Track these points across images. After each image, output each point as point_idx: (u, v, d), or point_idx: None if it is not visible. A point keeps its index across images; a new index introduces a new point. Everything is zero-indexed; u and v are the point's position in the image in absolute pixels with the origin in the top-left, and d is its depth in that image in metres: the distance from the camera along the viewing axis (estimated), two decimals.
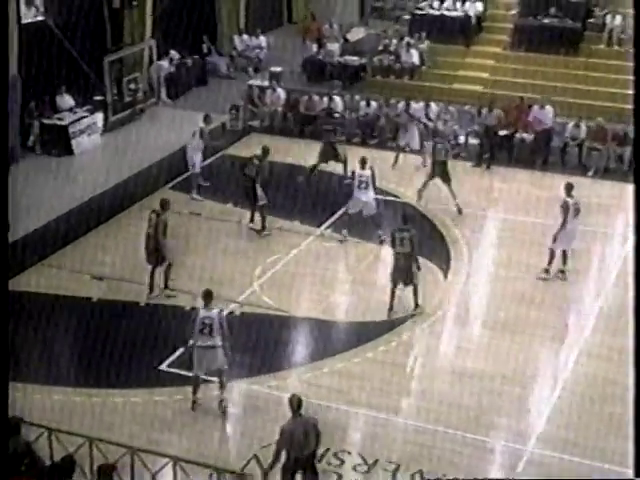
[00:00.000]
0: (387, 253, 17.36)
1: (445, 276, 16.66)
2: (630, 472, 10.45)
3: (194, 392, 12.86)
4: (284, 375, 13.76)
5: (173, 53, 26.51)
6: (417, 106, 22.55)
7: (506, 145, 22.08)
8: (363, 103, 23.57)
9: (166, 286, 15.87)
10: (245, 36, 29.05)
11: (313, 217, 18.72)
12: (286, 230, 18.29)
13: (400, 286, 15.24)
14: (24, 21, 20.73)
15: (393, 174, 20.87)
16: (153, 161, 20.79)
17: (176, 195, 19.64)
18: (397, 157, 21.61)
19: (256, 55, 28.59)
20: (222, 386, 12.85)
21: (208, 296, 12.67)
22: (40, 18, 21.34)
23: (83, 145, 21.94)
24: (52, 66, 21.53)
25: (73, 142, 21.73)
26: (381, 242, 17.35)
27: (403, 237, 15.15)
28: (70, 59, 22.20)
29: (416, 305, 15.35)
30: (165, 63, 25.89)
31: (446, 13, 27.05)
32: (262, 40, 28.94)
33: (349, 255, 17.50)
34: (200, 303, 12.81)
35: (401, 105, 22.48)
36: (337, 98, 23.74)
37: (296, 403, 10.62)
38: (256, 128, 23.97)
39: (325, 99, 23.71)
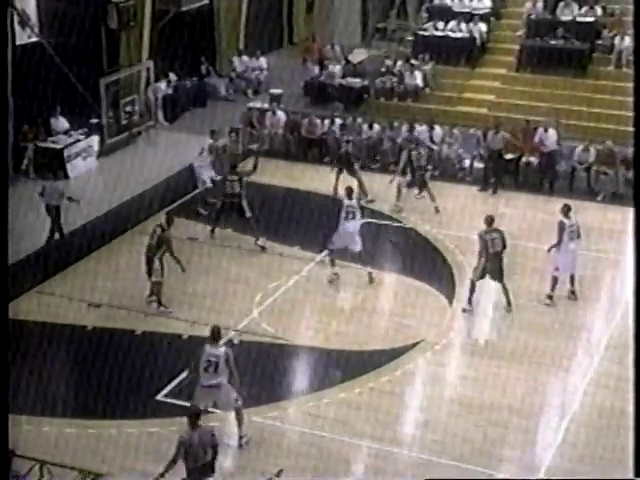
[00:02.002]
0: (390, 280, 17.47)
1: (450, 303, 16.72)
2: None
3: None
4: (284, 405, 13.78)
5: (171, 75, 26.71)
6: (421, 129, 22.71)
7: (512, 169, 22.22)
8: (365, 126, 23.73)
9: (159, 303, 16.03)
10: (245, 57, 29.25)
11: (314, 243, 18.80)
12: (287, 256, 18.37)
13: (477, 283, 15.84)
14: (18, 42, 20.87)
15: (391, 198, 20.98)
16: (150, 185, 20.91)
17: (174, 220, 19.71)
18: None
19: (256, 77, 28.78)
20: (240, 423, 12.77)
21: (216, 333, 12.59)
22: (35, 39, 21.51)
23: (78, 169, 22.09)
24: (47, 88, 21.66)
25: (68, 166, 21.87)
26: (371, 280, 17.22)
27: (494, 238, 15.94)
28: (65, 81, 22.33)
29: (509, 303, 16.13)
30: (162, 85, 26.08)
31: (450, 34, 27.29)
32: (262, 61, 29.15)
33: (351, 282, 17.54)
34: (207, 339, 12.66)
35: (404, 128, 22.62)
36: (338, 121, 23.89)
37: (194, 415, 10.96)
38: (256, 151, 24.09)
39: (326, 122, 23.87)
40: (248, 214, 18.42)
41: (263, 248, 18.43)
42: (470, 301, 16.33)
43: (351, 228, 17.19)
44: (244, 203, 18.44)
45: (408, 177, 20.45)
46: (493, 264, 16.12)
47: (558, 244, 16.34)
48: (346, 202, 17.29)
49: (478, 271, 16.20)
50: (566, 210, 16.48)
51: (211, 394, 12.48)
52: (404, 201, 20.62)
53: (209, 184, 20.38)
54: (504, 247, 16.16)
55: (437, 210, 20.13)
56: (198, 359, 12.45)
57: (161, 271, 16.15)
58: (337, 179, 20.99)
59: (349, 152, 21.00)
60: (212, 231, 19.08)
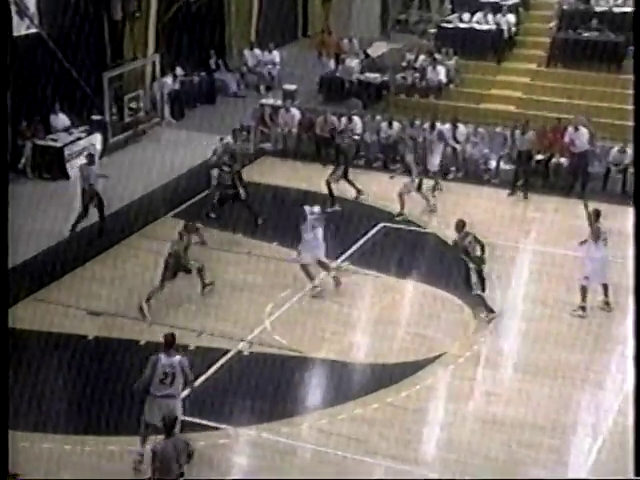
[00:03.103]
0: (410, 289, 17.45)
1: (474, 314, 16.69)
2: None
3: (143, 443, 12.47)
4: (297, 422, 13.77)
5: (178, 69, 26.81)
6: (444, 128, 22.71)
7: (541, 171, 22.19)
8: (385, 124, 23.74)
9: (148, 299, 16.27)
10: (257, 51, 29.36)
11: (330, 249, 18.79)
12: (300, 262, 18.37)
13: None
14: (16, 33, 20.98)
15: (414, 201, 20.99)
16: (155, 186, 21.01)
17: (180, 224, 19.73)
18: (421, 182, 21.76)
19: (268, 71, 28.88)
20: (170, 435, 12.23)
21: (170, 341, 12.45)
22: (34, 30, 21.63)
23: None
24: (46, 82, 21.81)
25: (68, 165, 21.99)
26: (315, 296, 17.11)
27: (471, 241, 16.00)
28: (66, 75, 22.47)
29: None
30: (169, 80, 26.19)
31: (476, 26, 27.29)
32: (275, 55, 29.24)
33: (368, 290, 17.55)
34: (162, 348, 12.47)
35: (426, 127, 22.63)
36: (356, 119, 23.92)
37: (169, 424, 10.99)
38: (268, 151, 24.17)
39: (343, 120, 23.90)
40: (243, 196, 18.86)
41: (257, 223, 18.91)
42: (488, 309, 16.34)
43: (313, 242, 17.18)
44: (240, 191, 18.91)
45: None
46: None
47: (588, 247, 16.32)
48: (308, 209, 17.28)
49: (478, 282, 16.17)
50: (598, 215, 16.44)
51: (163, 404, 12.26)
52: (419, 203, 20.67)
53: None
54: (483, 250, 16.20)
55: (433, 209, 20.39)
56: (153, 370, 12.24)
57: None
58: (348, 180, 20.93)
59: (341, 147, 21.04)
60: (206, 215, 19.38)
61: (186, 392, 13.51)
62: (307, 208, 17.33)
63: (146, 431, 12.51)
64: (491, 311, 16.37)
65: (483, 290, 16.32)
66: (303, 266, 17.25)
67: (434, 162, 21.63)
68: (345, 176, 20.85)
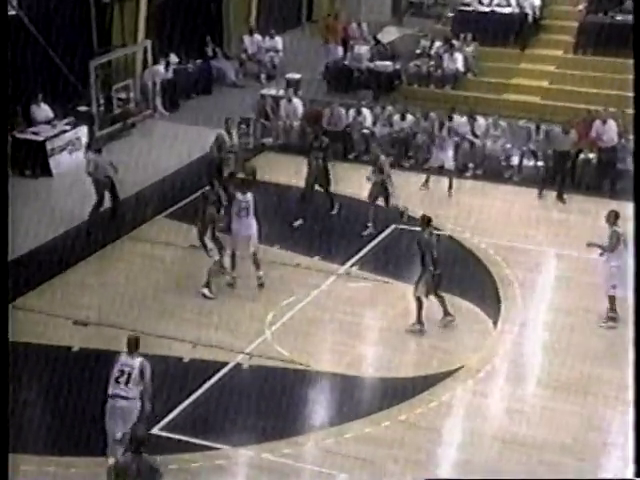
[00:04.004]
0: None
1: (494, 324, 16.72)
2: None
3: (108, 455, 12.63)
4: (300, 441, 13.81)
5: (172, 56, 26.88)
6: (461, 120, 22.76)
7: (568, 167, 22.20)
8: (397, 117, 23.80)
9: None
10: (257, 36, 29.45)
11: (337, 252, 18.87)
12: (304, 268, 18.44)
13: None
14: None
15: (425, 201, 21.05)
16: (146, 184, 21.08)
17: (173, 225, 19.89)
18: (428, 179, 21.87)
19: (270, 59, 28.99)
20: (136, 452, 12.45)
21: (133, 343, 12.79)
22: (12, 12, 21.64)
23: (63, 165, 22.31)
24: (27, 70, 21.89)
25: (51, 161, 22.11)
26: (261, 285, 17.60)
27: (434, 240, 16.02)
28: (48, 62, 22.55)
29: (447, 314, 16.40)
30: (161, 68, 26.30)
31: (497, 9, 27.35)
32: (277, 41, 29.35)
33: (379, 298, 17.59)
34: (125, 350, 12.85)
35: (437, 117, 22.58)
36: (366, 111, 23.98)
37: (136, 439, 10.90)
38: (269, 146, 24.23)
39: (351, 112, 23.95)
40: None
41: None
42: (420, 320, 16.36)
43: (244, 230, 17.55)
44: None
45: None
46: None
47: (610, 256, 16.31)
48: (240, 197, 17.51)
49: (429, 283, 16.15)
50: (616, 217, 16.38)
51: (118, 406, 12.53)
52: (433, 204, 20.76)
53: None
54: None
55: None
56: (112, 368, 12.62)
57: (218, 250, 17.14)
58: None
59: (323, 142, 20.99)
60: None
61: (180, 408, 13.60)
62: (239, 195, 17.55)
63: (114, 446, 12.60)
64: (448, 314, 16.40)
65: (436, 293, 16.29)
66: (232, 256, 17.70)
67: (448, 158, 21.68)
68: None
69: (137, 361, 12.66)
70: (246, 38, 29.41)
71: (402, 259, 18.43)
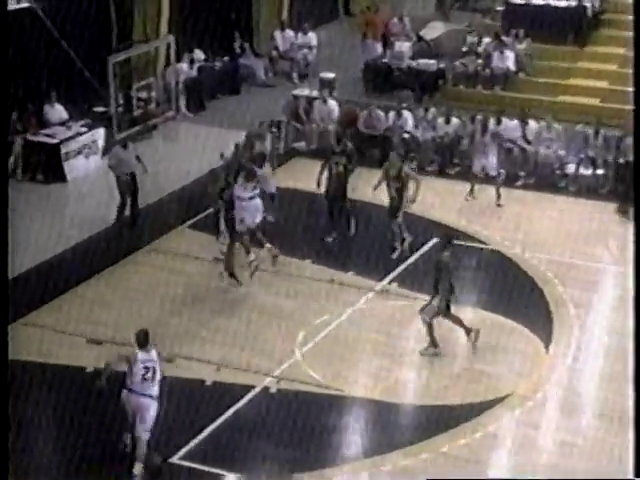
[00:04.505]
0: (469, 316, 17.41)
1: (546, 348, 16.62)
2: None
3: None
4: (331, 473, 13.77)
5: (197, 52, 26.97)
6: (511, 124, 22.69)
7: (629, 175, 22.05)
8: (441, 120, 23.76)
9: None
10: (289, 32, 29.50)
11: (374, 267, 18.83)
12: (338, 284, 18.43)
13: None
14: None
15: (470, 212, 20.97)
16: (168, 191, 21.15)
17: (197, 236, 19.91)
18: (472, 187, 21.78)
19: (303, 56, 29.01)
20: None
21: (142, 338, 13.36)
22: (25, 5, 21.85)
23: (78, 169, 22.43)
24: (40, 67, 22.04)
25: (65, 165, 22.23)
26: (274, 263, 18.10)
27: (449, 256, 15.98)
28: (63, 58, 22.67)
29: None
30: (185, 66, 26.41)
31: (553, 2, 27.23)
32: (311, 37, 29.38)
33: (419, 318, 17.50)
34: (136, 347, 13.38)
35: (482, 120, 22.43)
36: (407, 113, 23.95)
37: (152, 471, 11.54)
38: (301, 151, 24.24)
39: (391, 115, 23.94)
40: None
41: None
42: (434, 342, 16.33)
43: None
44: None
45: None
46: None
47: None
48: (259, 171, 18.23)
49: (440, 308, 16.12)
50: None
51: (142, 405, 13.22)
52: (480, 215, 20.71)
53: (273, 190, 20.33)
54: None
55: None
56: (131, 369, 13.23)
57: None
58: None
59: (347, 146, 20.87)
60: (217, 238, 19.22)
61: (202, 435, 13.60)
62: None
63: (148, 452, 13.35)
64: (435, 345, 16.33)
65: (446, 316, 16.28)
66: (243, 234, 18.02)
67: (491, 164, 21.57)
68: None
69: (154, 354, 13.32)
70: (277, 33, 29.47)
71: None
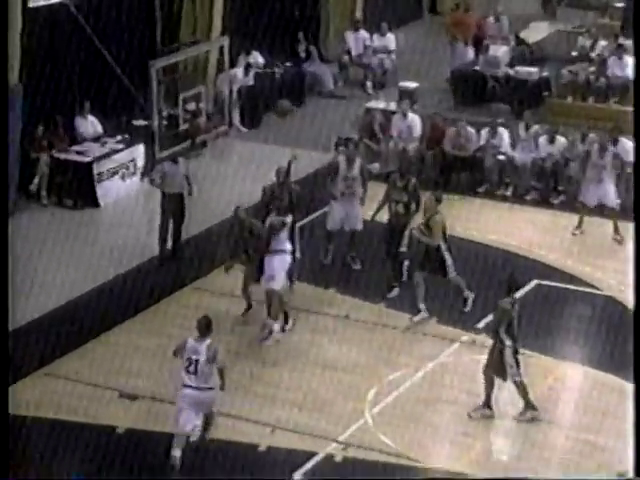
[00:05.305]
0: (575, 375, 17.28)
1: None
2: None
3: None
4: None
5: (254, 57, 27.10)
6: (630, 145, 22.50)
7: None
8: (543, 139, 23.65)
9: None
10: (363, 33, 29.57)
11: (459, 314, 18.74)
12: (417, 332, 18.40)
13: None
14: (33, 3, 21.31)
15: (579, 249, 20.82)
16: (217, 220, 21.23)
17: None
18: (581, 220, 21.62)
19: (379, 62, 29.09)
20: (207, 429, 15.11)
21: (205, 324, 14.76)
22: (56, 0, 22.05)
23: (113, 193, 22.62)
24: (71, 72, 22.24)
25: (99, 188, 22.39)
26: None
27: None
28: (99, 62, 22.89)
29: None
30: (240, 72, 26.55)
31: None
32: (389, 39, 29.46)
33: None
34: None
35: (598, 140, 22.30)
36: (502, 131, 23.88)
37: None
38: (376, 174, 24.22)
39: (484, 132, 23.89)
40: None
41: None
42: (488, 404, 16.25)
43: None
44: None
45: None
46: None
47: None
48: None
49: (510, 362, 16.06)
50: None
51: (194, 397, 14.69)
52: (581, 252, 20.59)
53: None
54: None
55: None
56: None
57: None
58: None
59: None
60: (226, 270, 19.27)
61: None
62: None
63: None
64: (531, 407, 16.17)
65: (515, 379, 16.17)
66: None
67: (609, 193, 21.42)
68: None
69: (204, 345, 14.59)
70: (349, 35, 29.56)
71: (545, 325, 18.25)
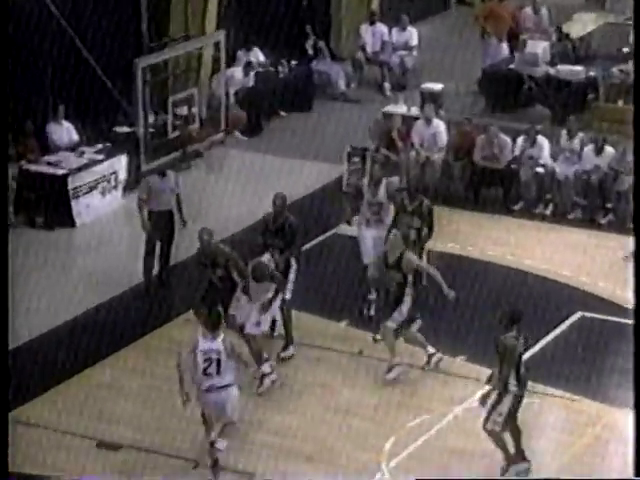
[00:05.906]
0: (626, 420, 17.23)
1: None
2: None
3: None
4: None
5: (255, 54, 27.14)
6: None
7: None
8: (589, 149, 23.63)
9: None
10: (381, 26, 29.62)
11: (491, 350, 18.69)
12: (443, 372, 18.37)
13: None
14: None
15: (630, 277, 20.79)
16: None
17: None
18: None
19: (399, 60, 29.13)
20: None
21: (216, 317, 15.46)
22: None
23: (92, 210, 22.63)
24: (44, 72, 22.26)
25: (74, 204, 22.38)
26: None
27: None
28: (77, 61, 22.91)
29: None
30: (239, 72, 26.59)
31: None
32: (410, 34, 29.52)
33: (556, 421, 17.41)
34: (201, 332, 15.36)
35: None
36: (542, 139, 23.86)
37: None
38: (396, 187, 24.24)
39: (520, 141, 23.87)
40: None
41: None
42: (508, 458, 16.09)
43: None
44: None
45: None
46: None
47: None
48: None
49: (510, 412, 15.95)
50: None
51: (218, 399, 15.36)
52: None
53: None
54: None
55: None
56: (194, 361, 15.30)
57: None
58: None
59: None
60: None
61: None
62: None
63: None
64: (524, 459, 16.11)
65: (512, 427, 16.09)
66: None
67: None
68: None
69: (219, 342, 15.22)
70: (365, 29, 29.63)
71: (591, 363, 18.20)
